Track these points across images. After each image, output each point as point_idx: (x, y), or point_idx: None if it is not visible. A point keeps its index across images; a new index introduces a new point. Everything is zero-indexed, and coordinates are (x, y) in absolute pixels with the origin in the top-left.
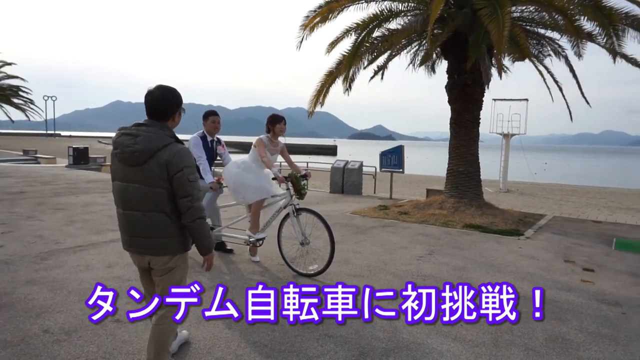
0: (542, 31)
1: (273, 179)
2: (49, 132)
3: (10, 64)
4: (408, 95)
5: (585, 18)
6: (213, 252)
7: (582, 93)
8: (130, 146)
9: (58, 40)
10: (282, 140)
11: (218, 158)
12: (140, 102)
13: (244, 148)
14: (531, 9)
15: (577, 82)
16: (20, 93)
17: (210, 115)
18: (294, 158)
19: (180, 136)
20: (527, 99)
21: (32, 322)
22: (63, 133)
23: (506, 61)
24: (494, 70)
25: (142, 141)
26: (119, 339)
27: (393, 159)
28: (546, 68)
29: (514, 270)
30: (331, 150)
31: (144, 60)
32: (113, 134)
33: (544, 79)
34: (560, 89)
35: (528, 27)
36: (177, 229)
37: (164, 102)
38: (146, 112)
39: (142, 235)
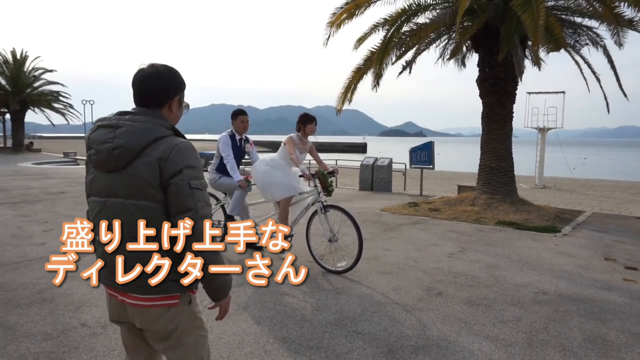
0: (578, 20)
1: (300, 176)
2: None
3: (51, 70)
4: (439, 91)
5: (626, 4)
6: (229, 296)
7: (619, 84)
8: (108, 142)
9: (95, 47)
10: (313, 139)
11: (246, 156)
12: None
13: (274, 147)
14: None
15: (615, 73)
16: (61, 98)
17: (239, 115)
18: (324, 156)
19: (212, 137)
20: (563, 92)
21: (71, 316)
22: None
23: (540, 52)
24: (527, 62)
25: (125, 134)
26: None
27: (423, 155)
28: (583, 58)
29: (550, 268)
30: (361, 148)
31: (175, 63)
32: None
33: (581, 70)
34: (598, 80)
35: (563, 16)
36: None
37: (158, 82)
38: (134, 97)
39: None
